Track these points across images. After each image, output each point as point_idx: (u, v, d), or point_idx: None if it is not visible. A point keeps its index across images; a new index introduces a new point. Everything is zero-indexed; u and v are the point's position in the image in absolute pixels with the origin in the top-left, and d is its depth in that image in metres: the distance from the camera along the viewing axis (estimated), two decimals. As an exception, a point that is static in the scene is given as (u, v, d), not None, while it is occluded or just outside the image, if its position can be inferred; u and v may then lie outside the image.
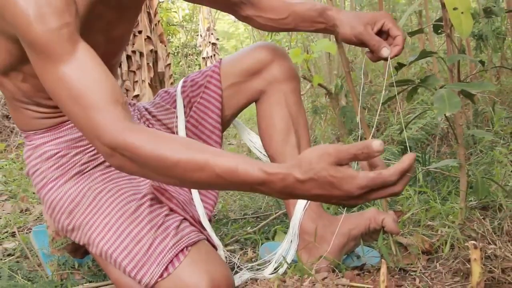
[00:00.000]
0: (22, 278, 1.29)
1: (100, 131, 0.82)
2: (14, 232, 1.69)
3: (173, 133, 1.24)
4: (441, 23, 1.20)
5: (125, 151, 0.80)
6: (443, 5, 1.13)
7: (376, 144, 0.68)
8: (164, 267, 0.97)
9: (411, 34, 1.30)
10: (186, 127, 1.25)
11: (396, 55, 1.05)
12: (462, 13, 1.01)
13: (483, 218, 1.23)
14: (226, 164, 0.75)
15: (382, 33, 1.08)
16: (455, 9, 1.02)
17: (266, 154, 1.28)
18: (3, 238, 1.67)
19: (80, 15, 0.92)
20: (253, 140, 1.36)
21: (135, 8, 1.14)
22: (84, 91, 0.83)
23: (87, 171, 1.09)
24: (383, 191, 0.71)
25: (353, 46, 3.68)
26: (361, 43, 1.09)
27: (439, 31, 1.23)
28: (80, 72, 0.84)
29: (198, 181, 0.78)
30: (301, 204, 1.17)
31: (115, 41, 1.11)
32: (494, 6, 1.22)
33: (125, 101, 0.87)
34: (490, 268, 1.00)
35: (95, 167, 1.10)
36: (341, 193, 0.70)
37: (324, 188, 0.71)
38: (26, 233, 1.71)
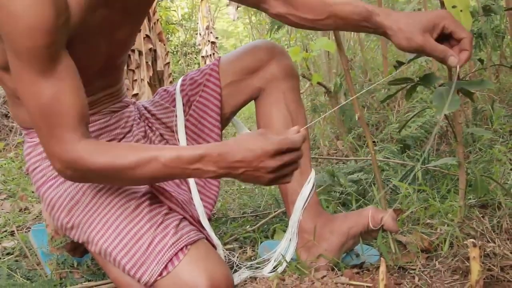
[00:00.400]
0: (21, 277, 1.29)
1: (58, 150, 0.89)
2: (13, 231, 1.69)
3: (173, 132, 1.24)
4: (440, 21, 1.19)
5: (80, 166, 0.89)
6: (442, 3, 1.12)
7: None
8: (163, 265, 0.97)
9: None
10: (186, 126, 1.24)
11: (466, 62, 0.93)
12: (461, 11, 1.01)
13: (482, 216, 1.23)
14: (169, 152, 0.89)
15: (444, 36, 0.94)
16: (454, 7, 1.02)
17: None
18: (2, 237, 1.67)
19: (77, 20, 0.91)
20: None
21: (141, 11, 1.13)
22: (54, 111, 0.88)
23: (87, 170, 1.09)
24: (293, 165, 0.89)
25: (352, 44, 3.68)
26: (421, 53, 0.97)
27: (438, 29, 1.23)
28: (55, 92, 0.88)
29: (146, 176, 0.90)
30: (300, 202, 1.17)
31: (119, 43, 1.10)
32: (493, 4, 1.22)
33: (87, 121, 0.94)
34: (489, 266, 1.00)
35: (95, 165, 1.10)
36: (259, 161, 0.85)
37: (245, 159, 0.86)
38: (25, 232, 1.71)
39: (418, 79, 1.16)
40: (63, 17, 0.87)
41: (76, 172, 0.91)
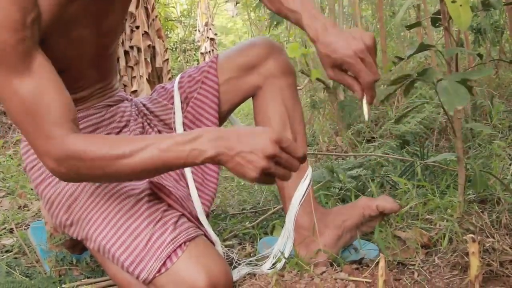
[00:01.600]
0: (20, 274, 1.28)
1: (48, 148, 0.87)
2: (12, 228, 1.69)
3: (171, 129, 1.24)
4: (439, 16, 1.19)
5: (74, 161, 0.87)
6: (441, -2, 1.12)
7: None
8: (162, 262, 0.97)
9: (409, 27, 1.29)
10: (184, 123, 1.24)
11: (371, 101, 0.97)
12: (460, 5, 1.01)
13: (481, 212, 1.23)
14: (164, 138, 0.87)
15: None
16: (453, 2, 1.01)
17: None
18: (1, 235, 1.67)
19: (51, 15, 0.90)
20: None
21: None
22: (38, 109, 0.86)
23: (85, 167, 1.09)
24: (282, 170, 0.85)
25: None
26: None
27: (437, 24, 1.22)
28: (35, 89, 0.86)
29: (142, 163, 0.87)
30: (296, 199, 1.17)
31: (107, 34, 1.09)
32: (493, -1, 1.21)
33: (74, 116, 0.91)
34: (488, 262, 1.00)
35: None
36: (253, 144, 0.82)
37: (242, 142, 0.83)
38: (24, 229, 1.70)
39: (417, 74, 1.16)
40: (31, 15, 0.86)
41: (71, 168, 0.88)
